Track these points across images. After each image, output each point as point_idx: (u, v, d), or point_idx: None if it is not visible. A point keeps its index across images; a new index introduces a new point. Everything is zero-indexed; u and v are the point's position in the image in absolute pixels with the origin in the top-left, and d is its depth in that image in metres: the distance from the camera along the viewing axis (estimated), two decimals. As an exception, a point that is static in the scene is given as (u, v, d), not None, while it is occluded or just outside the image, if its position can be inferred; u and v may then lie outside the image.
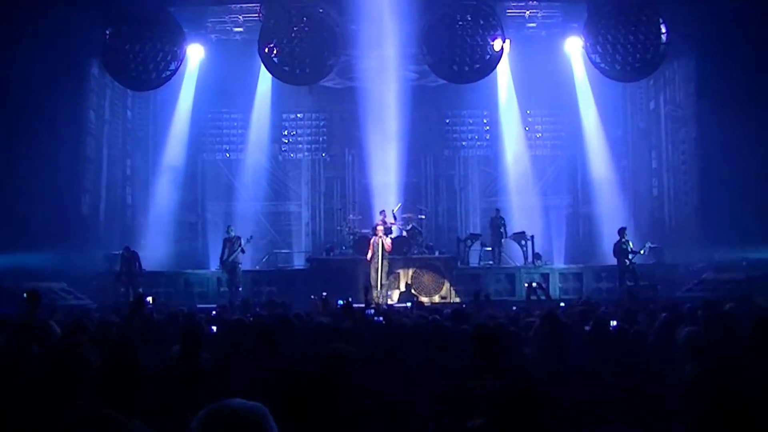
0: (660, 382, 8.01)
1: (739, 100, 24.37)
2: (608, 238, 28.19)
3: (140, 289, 23.92)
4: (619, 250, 25.77)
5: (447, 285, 27.01)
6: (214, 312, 16.81)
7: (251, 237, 27.00)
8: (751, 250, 24.22)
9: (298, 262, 31.92)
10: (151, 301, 19.50)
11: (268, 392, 4.18)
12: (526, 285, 21.85)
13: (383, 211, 28.04)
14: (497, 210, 30.33)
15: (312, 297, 21.90)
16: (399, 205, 28.90)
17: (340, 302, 14.77)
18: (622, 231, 26.22)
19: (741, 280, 23.45)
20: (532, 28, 31.02)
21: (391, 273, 26.32)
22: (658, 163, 30.83)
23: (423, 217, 30.80)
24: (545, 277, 26.91)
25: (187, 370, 8.35)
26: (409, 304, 20.44)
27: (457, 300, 25.54)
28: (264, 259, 31.29)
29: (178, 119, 32.21)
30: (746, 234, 23.79)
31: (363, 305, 16.66)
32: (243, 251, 26.14)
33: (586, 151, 32.74)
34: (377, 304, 20.55)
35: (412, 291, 26.16)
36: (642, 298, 20.83)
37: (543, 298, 14.89)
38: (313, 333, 10.58)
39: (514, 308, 17.60)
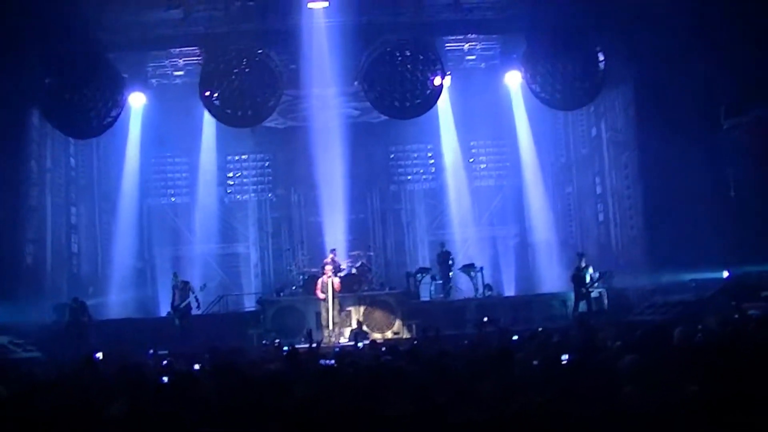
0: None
1: (679, 123, 24.59)
2: (559, 265, 28.29)
3: (91, 341, 23.64)
4: (577, 276, 25.84)
5: (399, 320, 26.90)
6: (164, 362, 16.59)
7: (204, 285, 26.87)
8: (699, 270, 24.36)
9: (249, 304, 31.65)
10: (100, 357, 19.17)
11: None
12: (485, 320, 21.96)
13: (333, 249, 28.02)
14: (442, 244, 30.34)
15: (264, 343, 21.75)
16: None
17: (285, 348, 14.67)
18: (580, 256, 26.35)
19: (691, 302, 23.58)
20: (472, 60, 31.35)
21: (342, 311, 26.20)
22: (603, 188, 30.99)
23: (371, 254, 30.78)
24: (496, 308, 26.88)
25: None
26: (360, 345, 20.32)
27: (409, 335, 25.46)
28: (214, 303, 30.98)
29: (122, 165, 31.98)
30: (693, 255, 23.91)
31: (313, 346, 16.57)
32: (198, 301, 25.97)
33: (529, 180, 32.96)
34: (327, 344, 20.49)
35: (364, 328, 26.04)
36: (593, 325, 20.96)
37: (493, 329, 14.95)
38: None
39: (466, 341, 17.56)
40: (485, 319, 23.49)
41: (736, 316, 18.03)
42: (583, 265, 26.03)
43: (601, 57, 27.21)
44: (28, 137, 27.77)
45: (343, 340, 24.63)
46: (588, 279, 25.75)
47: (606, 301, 26.62)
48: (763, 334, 11.82)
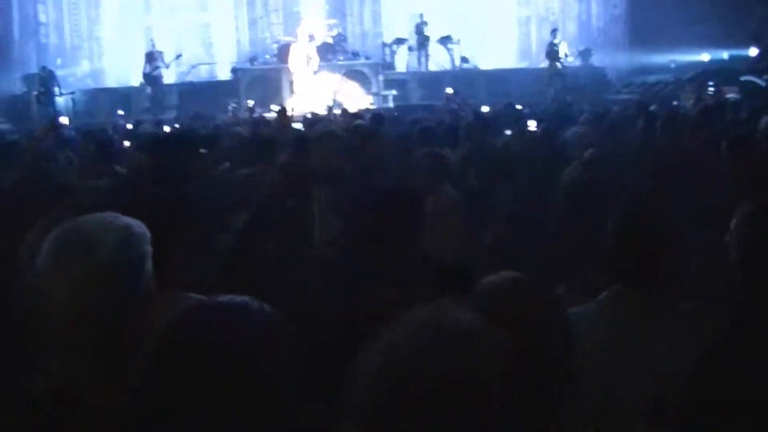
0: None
1: None
2: (537, 41, 27.90)
3: (59, 110, 23.31)
4: (551, 51, 25.55)
5: (373, 91, 26.66)
6: (129, 125, 16.40)
7: (180, 55, 26.37)
8: (679, 52, 24.15)
9: (223, 74, 31.18)
10: (67, 122, 18.90)
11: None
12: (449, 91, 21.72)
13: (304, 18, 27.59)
14: (421, 15, 29.58)
15: (230, 106, 21.24)
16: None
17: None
18: (554, 32, 26.04)
19: (669, 82, 23.46)
20: None
21: (316, 80, 25.88)
22: (587, -37, 30.31)
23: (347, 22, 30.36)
24: (472, 81, 26.64)
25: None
26: (337, 111, 20.09)
27: (385, 106, 25.25)
28: (188, 73, 30.46)
29: None
30: (675, 37, 23.64)
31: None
32: (167, 66, 25.54)
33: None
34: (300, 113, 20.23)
35: (338, 98, 25.76)
36: (570, 101, 20.84)
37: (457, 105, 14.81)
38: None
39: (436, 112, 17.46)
40: (449, 90, 23.29)
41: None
42: (557, 40, 25.70)
43: None
44: None
45: (317, 110, 24.39)
46: (562, 54, 25.45)
47: (582, 79, 26.39)
48: (735, 117, 11.74)
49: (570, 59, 25.91)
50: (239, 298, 2.06)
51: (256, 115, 17.68)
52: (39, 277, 2.39)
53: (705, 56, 23.52)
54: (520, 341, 1.76)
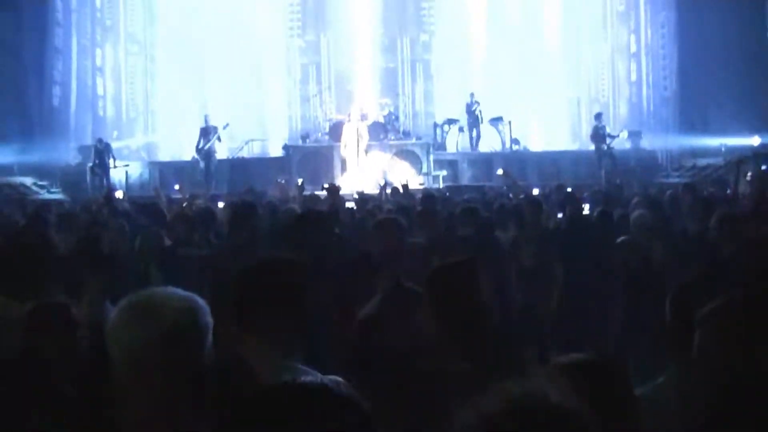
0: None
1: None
2: (588, 123, 27.98)
3: (113, 183, 23.67)
4: (596, 134, 25.60)
5: (424, 171, 26.76)
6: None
7: (227, 124, 26.62)
8: (729, 135, 24.06)
9: (275, 151, 31.50)
10: (121, 196, 19.17)
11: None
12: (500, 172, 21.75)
13: (360, 98, 27.91)
14: (472, 95, 29.77)
15: (279, 180, 21.27)
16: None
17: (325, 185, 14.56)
18: (599, 116, 26.08)
19: (719, 166, 23.35)
20: None
21: (368, 159, 26.04)
22: (638, 47, 30.45)
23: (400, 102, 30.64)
24: (522, 162, 26.73)
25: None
26: (389, 191, 20.16)
27: (435, 186, 25.33)
28: (240, 148, 30.82)
29: (149, 7, 31.60)
30: (725, 120, 23.61)
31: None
32: (219, 140, 25.82)
33: (562, 35, 32.46)
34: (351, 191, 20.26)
35: (389, 177, 25.88)
36: (618, 184, 20.79)
37: (508, 185, 14.84)
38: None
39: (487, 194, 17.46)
40: (499, 171, 23.33)
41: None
42: (602, 124, 25.77)
43: None
44: (54, -25, 27.30)
45: (367, 189, 24.48)
46: (607, 137, 25.50)
47: (632, 161, 26.43)
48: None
49: (619, 137, 25.94)
50: (325, 380, 2.12)
51: (306, 192, 17.74)
52: (112, 337, 2.60)
53: (756, 139, 23.41)
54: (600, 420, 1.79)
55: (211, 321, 2.71)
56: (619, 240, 8.04)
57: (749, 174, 17.38)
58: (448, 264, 4.26)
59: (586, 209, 11.76)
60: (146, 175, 27.12)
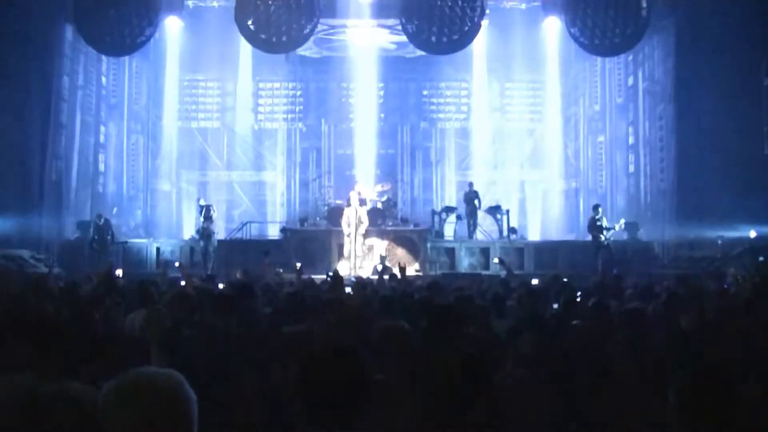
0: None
1: (718, 77, 24.31)
2: (585, 214, 28.12)
3: (111, 259, 23.68)
4: (594, 226, 25.70)
5: (421, 258, 26.83)
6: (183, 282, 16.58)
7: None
8: (726, 228, 24.15)
9: (273, 233, 31.62)
10: (120, 274, 19.16)
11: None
12: (496, 261, 21.83)
13: (358, 183, 28.01)
14: (470, 184, 29.97)
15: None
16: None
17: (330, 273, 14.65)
18: (596, 207, 26.21)
19: (716, 258, 23.43)
20: (512, 0, 30.88)
21: (365, 244, 26.14)
22: (636, 139, 30.72)
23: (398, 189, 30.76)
24: (520, 252, 26.84)
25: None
26: (386, 277, 20.19)
27: (432, 273, 25.39)
28: (238, 229, 30.95)
29: (154, 87, 31.99)
30: (722, 212, 23.71)
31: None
32: (208, 219, 25.91)
33: (561, 126, 32.81)
34: (348, 276, 20.37)
35: (386, 263, 25.96)
36: (615, 274, 20.82)
37: (504, 273, 14.90)
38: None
39: (483, 282, 17.47)
40: (495, 260, 23.42)
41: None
42: (599, 216, 25.91)
43: (644, 3, 26.93)
44: (61, 52, 27.56)
45: (365, 274, 24.53)
46: (604, 229, 25.60)
47: (629, 252, 26.52)
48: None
49: (616, 228, 26.05)
50: None
51: (305, 276, 17.75)
52: (106, 413, 2.81)
53: (752, 233, 23.50)
54: None
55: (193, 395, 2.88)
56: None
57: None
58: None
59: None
60: (144, 253, 27.18)
